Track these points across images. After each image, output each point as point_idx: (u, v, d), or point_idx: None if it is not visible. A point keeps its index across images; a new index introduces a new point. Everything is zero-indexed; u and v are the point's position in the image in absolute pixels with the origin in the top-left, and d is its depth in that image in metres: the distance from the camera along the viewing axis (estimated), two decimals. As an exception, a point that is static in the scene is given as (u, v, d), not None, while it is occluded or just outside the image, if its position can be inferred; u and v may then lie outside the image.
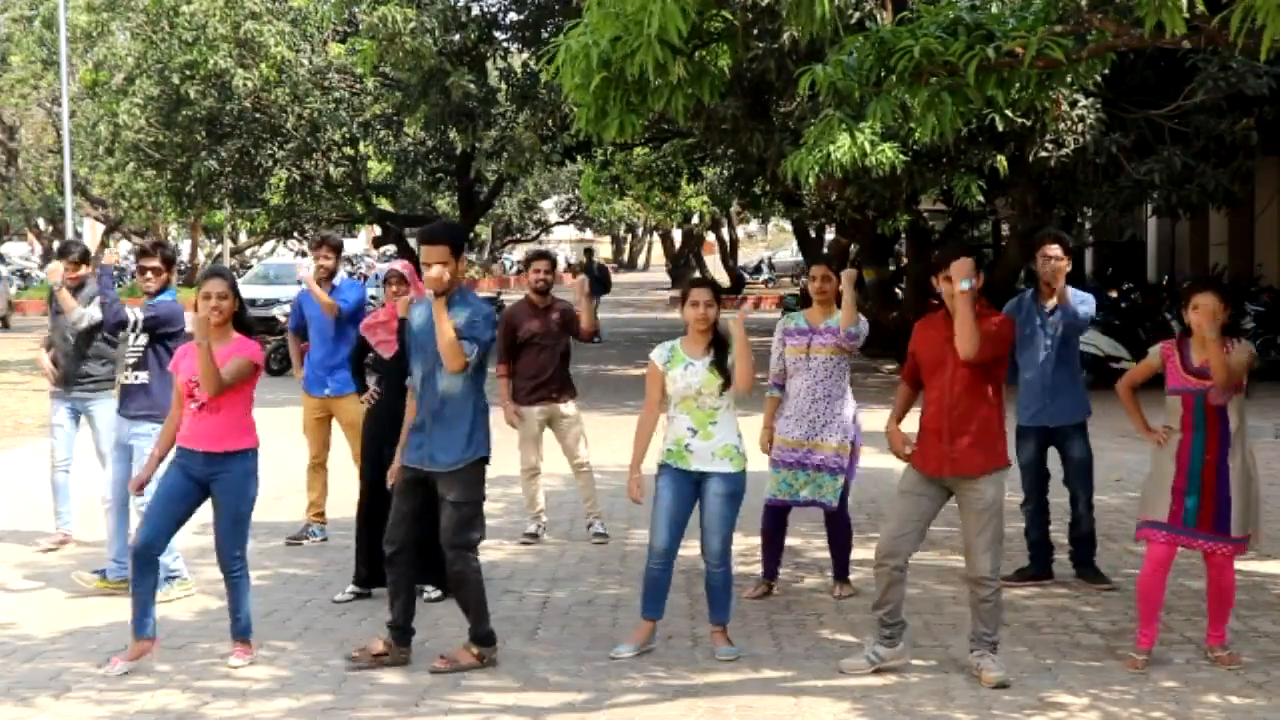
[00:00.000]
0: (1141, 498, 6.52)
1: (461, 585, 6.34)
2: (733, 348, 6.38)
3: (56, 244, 10.40)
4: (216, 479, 6.38)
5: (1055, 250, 7.55)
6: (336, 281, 8.91)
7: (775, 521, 7.52)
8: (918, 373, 6.31)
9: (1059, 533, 7.94)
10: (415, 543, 6.43)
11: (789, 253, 46.53)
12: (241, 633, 6.50)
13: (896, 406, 6.44)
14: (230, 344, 6.42)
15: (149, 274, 7.58)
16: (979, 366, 6.01)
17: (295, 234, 30.59)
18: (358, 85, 21.99)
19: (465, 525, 6.27)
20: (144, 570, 6.36)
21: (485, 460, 6.36)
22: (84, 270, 8.43)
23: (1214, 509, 6.17)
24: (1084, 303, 7.65)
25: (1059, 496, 7.80)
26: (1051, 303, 7.60)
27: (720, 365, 6.40)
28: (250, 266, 36.45)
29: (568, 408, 8.98)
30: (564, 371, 9.00)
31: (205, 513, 6.55)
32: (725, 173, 24.91)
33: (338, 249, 9.03)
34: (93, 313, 8.08)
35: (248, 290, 28.47)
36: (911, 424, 6.28)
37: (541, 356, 8.89)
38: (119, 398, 7.78)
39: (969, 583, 6.15)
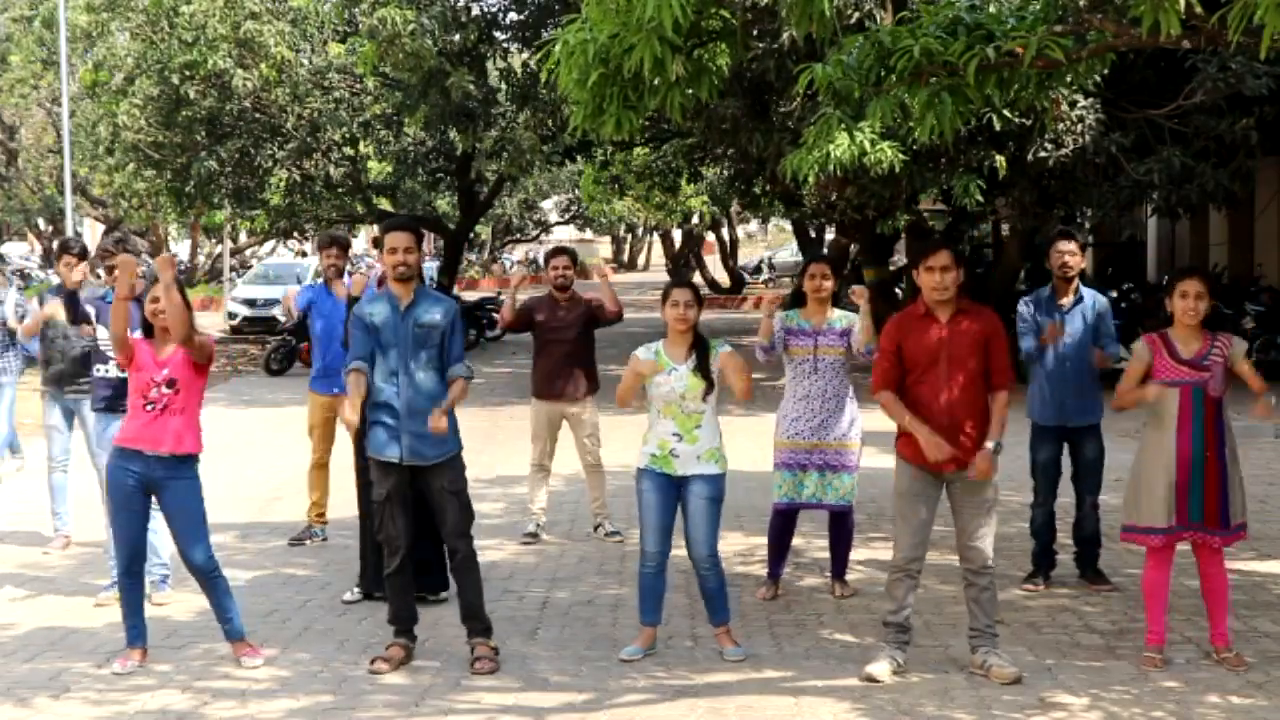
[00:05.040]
0: (1128, 500, 6.38)
1: (471, 570, 6.41)
2: (715, 354, 6.41)
3: (55, 243, 10.36)
4: (168, 484, 6.30)
5: (1069, 246, 7.53)
6: (344, 281, 8.94)
7: (784, 525, 7.49)
8: (900, 370, 6.09)
9: (1063, 535, 7.92)
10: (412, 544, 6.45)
11: (789, 253, 46.46)
12: (237, 634, 6.48)
13: (901, 410, 6.08)
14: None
15: None
16: (978, 361, 6.02)
17: (295, 234, 30.54)
18: (358, 85, 21.95)
19: (466, 511, 6.41)
20: (133, 583, 6.39)
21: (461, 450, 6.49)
22: (85, 269, 8.49)
23: (1218, 503, 6.14)
24: (1096, 302, 7.62)
25: (1062, 495, 7.79)
26: (1068, 300, 7.54)
27: (703, 369, 6.39)
28: (250, 266, 36.42)
29: (580, 407, 8.96)
30: (584, 367, 8.96)
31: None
32: (725, 173, 24.86)
33: (347, 248, 9.09)
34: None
35: (248, 290, 28.59)
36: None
37: (559, 352, 8.90)
38: (112, 395, 7.64)
39: (971, 574, 6.14)
